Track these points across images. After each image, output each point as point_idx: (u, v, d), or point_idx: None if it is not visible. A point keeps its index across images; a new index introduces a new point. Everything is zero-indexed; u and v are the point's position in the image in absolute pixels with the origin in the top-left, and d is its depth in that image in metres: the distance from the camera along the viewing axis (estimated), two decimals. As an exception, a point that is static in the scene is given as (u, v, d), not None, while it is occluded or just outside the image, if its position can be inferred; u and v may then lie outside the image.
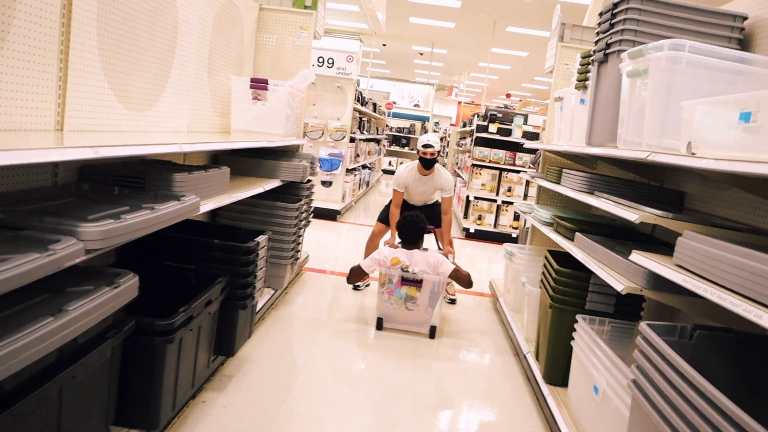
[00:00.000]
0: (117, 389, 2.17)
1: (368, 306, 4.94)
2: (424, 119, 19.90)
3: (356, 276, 4.48)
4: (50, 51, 2.32)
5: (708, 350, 2.00)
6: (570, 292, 3.24)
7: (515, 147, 9.01)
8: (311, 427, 2.94)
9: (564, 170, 3.88)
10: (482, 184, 8.96)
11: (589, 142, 3.35)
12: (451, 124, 25.31)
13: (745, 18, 2.84)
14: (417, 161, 5.15)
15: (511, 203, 8.87)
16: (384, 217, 5.36)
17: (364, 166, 11.69)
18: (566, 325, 3.20)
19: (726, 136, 1.96)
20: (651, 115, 2.48)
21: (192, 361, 2.66)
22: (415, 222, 4.49)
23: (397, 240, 4.92)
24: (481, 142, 9.15)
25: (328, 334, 4.20)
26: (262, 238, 3.24)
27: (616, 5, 3.01)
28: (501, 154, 8.98)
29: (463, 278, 4.37)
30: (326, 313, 4.66)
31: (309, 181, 4.72)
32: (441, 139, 17.38)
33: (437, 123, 23.51)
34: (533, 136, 8.82)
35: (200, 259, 2.96)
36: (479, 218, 8.95)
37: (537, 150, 5.78)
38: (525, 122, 9.15)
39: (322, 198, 8.82)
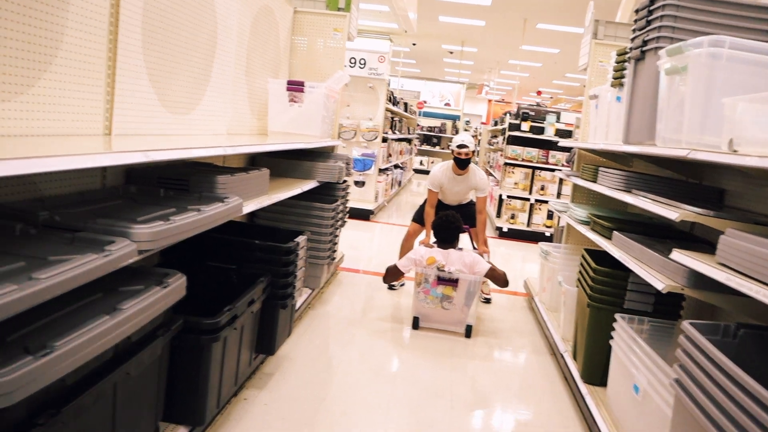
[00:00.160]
0: (165, 386, 2.24)
1: (403, 305, 4.97)
2: (454, 118, 19.85)
3: (392, 275, 4.52)
4: (99, 58, 2.40)
5: (752, 349, 1.99)
6: (608, 291, 3.23)
7: (548, 145, 8.96)
8: (350, 426, 2.98)
9: (600, 168, 3.86)
10: (515, 183, 8.92)
11: (626, 140, 3.34)
12: (482, 123, 25.20)
13: (786, 12, 2.80)
14: (451, 161, 5.16)
15: (545, 202, 8.81)
16: (419, 217, 5.38)
17: (396, 166, 11.72)
18: (604, 324, 3.19)
19: (769, 133, 1.95)
20: (691, 113, 2.46)
21: (235, 359, 2.72)
22: (450, 221, 4.51)
23: (432, 240, 4.94)
24: (513, 141, 9.11)
25: (365, 333, 4.24)
26: (301, 239, 3.30)
27: (652, 2, 2.99)
28: (534, 152, 8.94)
29: (499, 277, 4.38)
30: (362, 312, 4.70)
31: (344, 181, 4.77)
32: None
33: (468, 122, 23.43)
34: (566, 134, 8.76)
35: (242, 260, 3.03)
36: (512, 217, 8.91)
37: (571, 148, 5.74)
38: (557, 120, 9.10)
39: (355, 198, 8.87)
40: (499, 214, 9.13)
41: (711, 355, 1.75)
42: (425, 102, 18.60)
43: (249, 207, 2.80)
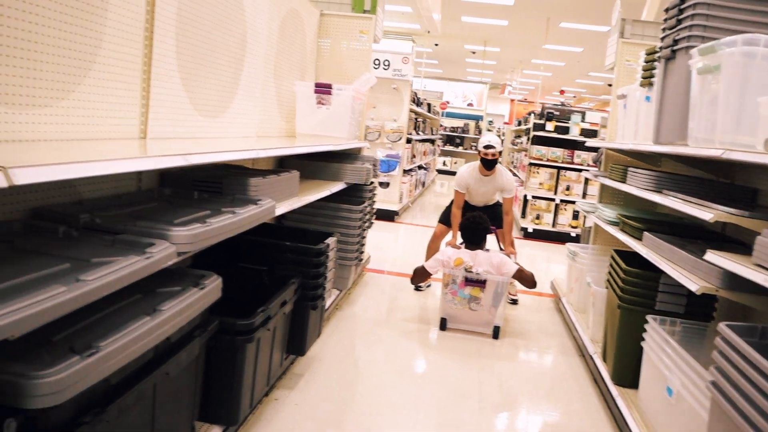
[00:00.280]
0: (201, 386, 2.27)
1: (429, 307, 4.98)
2: (477, 118, 19.80)
3: (420, 277, 4.53)
4: (135, 63, 2.45)
5: (790, 351, 1.97)
6: (639, 292, 3.21)
7: (573, 145, 8.90)
8: (380, 426, 3.00)
9: (630, 169, 3.83)
10: (540, 183, 8.88)
11: (656, 140, 3.31)
12: (505, 123, 25.07)
13: (822, 9, 2.76)
14: (478, 162, 5.16)
15: (570, 202, 8.76)
16: (445, 219, 5.39)
17: (420, 167, 11.73)
18: (635, 325, 3.17)
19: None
20: (724, 112, 2.44)
21: (267, 360, 2.76)
22: (478, 222, 4.51)
23: (459, 241, 4.94)
24: (538, 141, 9.07)
25: (392, 334, 4.26)
26: (331, 240, 3.32)
27: (683, 1, 2.97)
28: (558, 152, 8.89)
29: (527, 278, 4.37)
30: (389, 313, 4.72)
31: (372, 183, 4.79)
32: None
33: (491, 122, 23.34)
34: (591, 134, 8.69)
35: (273, 261, 3.06)
36: (537, 217, 8.87)
37: (598, 148, 5.71)
38: (582, 120, 9.03)
39: (379, 199, 8.86)
40: (524, 215, 9.09)
41: (749, 357, 1.74)
42: (448, 102, 18.56)
43: (280, 209, 2.83)
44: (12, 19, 1.80)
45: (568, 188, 8.81)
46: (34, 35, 1.89)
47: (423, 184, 12.56)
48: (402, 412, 3.15)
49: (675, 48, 3.04)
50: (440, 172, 18.64)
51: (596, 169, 5.55)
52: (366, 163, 4.55)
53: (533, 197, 8.86)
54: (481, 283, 4.25)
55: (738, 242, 3.06)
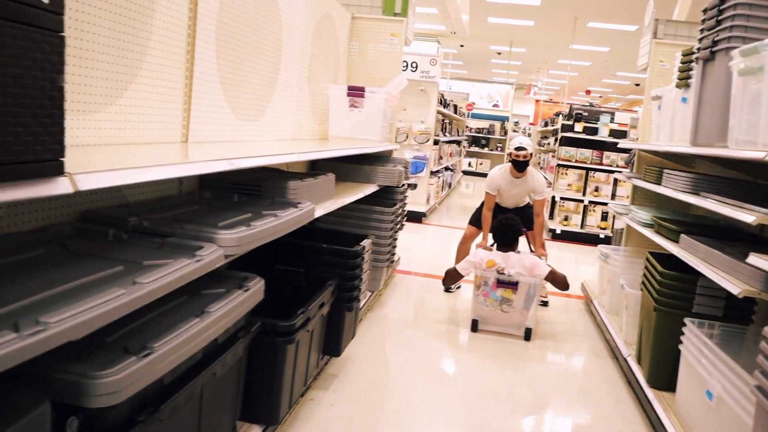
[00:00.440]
0: (243, 386, 2.31)
1: (459, 308, 4.98)
2: (503, 119, 19.70)
3: (452, 278, 4.55)
4: (178, 69, 2.49)
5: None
6: (676, 294, 3.18)
7: (602, 146, 8.82)
8: (413, 427, 3.01)
9: (665, 170, 3.80)
10: (568, 185, 8.82)
11: (694, 141, 3.28)
12: (530, 124, 24.93)
13: None
14: (509, 164, 5.15)
15: (599, 203, 8.69)
16: (476, 220, 5.38)
17: (446, 168, 11.72)
18: (672, 328, 3.14)
19: None
20: (767, 114, 2.41)
21: (305, 361, 2.79)
22: (510, 224, 4.50)
23: (490, 242, 4.94)
24: (566, 142, 9.00)
25: (423, 335, 4.27)
26: (367, 243, 3.35)
27: (722, 1, 2.94)
28: (587, 153, 8.82)
29: (559, 280, 4.35)
30: (419, 314, 4.74)
31: (403, 185, 4.81)
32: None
33: (517, 122, 23.21)
34: (620, 134, 8.61)
35: (309, 263, 3.09)
36: (565, 219, 8.82)
37: (630, 150, 5.66)
38: (611, 120, 8.95)
39: (407, 200, 8.91)
40: (552, 216, 9.04)
41: (798, 362, 1.72)
42: (474, 103, 18.51)
43: (318, 211, 2.86)
44: (71, 29, 1.85)
45: (596, 189, 8.74)
46: (87, 43, 1.94)
47: (449, 185, 12.55)
48: (435, 414, 3.17)
49: (714, 49, 3.01)
50: (466, 173, 18.59)
51: (627, 170, 5.50)
52: (398, 165, 4.57)
53: (561, 198, 8.80)
54: (513, 285, 4.24)
55: (777, 245, 3.02)
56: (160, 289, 1.47)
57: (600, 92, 28.18)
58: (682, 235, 3.21)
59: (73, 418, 1.35)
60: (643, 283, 3.63)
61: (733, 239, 3.17)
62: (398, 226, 4.81)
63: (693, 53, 3.40)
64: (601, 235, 8.54)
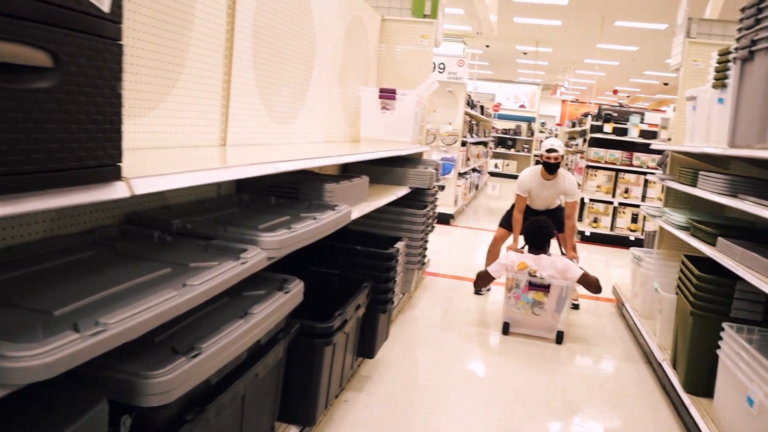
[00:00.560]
0: (282, 387, 2.33)
1: (489, 310, 4.97)
2: (530, 120, 19.58)
3: (483, 281, 4.54)
4: (216, 73, 2.53)
5: None
6: (713, 299, 3.14)
7: (631, 146, 8.72)
8: (447, 430, 3.02)
9: (700, 172, 3.75)
10: (597, 186, 8.73)
11: (732, 142, 3.23)
12: (557, 124, 24.73)
13: None
14: (540, 166, 5.12)
15: (628, 205, 8.60)
16: (506, 223, 5.36)
17: (474, 170, 11.69)
18: (709, 332, 3.10)
19: None
20: (810, 116, 2.37)
21: (341, 363, 2.80)
22: (542, 227, 4.48)
23: (521, 245, 4.92)
24: (595, 143, 8.92)
25: (455, 337, 4.27)
26: (400, 245, 3.36)
27: None
28: (617, 154, 8.72)
29: (591, 283, 4.32)
30: (450, 316, 4.73)
31: (434, 187, 4.81)
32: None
33: (543, 123, 23.03)
34: (650, 135, 8.51)
35: (343, 265, 3.11)
36: (595, 221, 8.74)
37: (663, 151, 5.59)
38: (641, 121, 8.85)
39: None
40: (581, 218, 8.96)
41: None
42: (500, 104, 18.43)
43: (353, 214, 2.88)
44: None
45: (626, 191, 8.64)
46: (132, 49, 1.98)
47: (477, 187, 12.51)
48: (468, 416, 3.16)
49: (753, 49, 2.97)
50: (492, 174, 18.51)
51: (660, 172, 5.44)
52: (429, 167, 4.57)
53: (590, 200, 8.72)
54: (545, 288, 4.22)
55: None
56: (210, 290, 1.49)
57: (627, 92, 27.86)
58: (720, 238, 3.17)
59: (127, 416, 1.38)
60: (678, 286, 3.59)
61: (771, 242, 3.13)
62: (429, 228, 4.81)
63: (730, 53, 3.36)
64: (631, 237, 8.45)
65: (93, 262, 1.66)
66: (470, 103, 10.45)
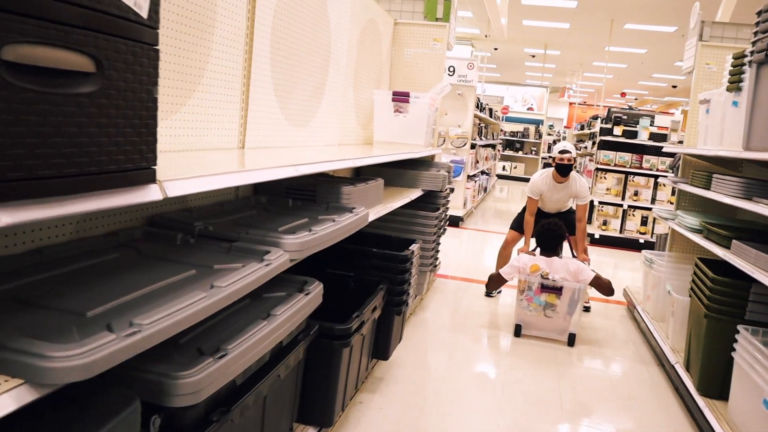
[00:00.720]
0: (300, 389, 2.35)
1: (500, 313, 4.98)
2: (537, 122, 19.57)
3: (495, 283, 4.55)
4: (235, 77, 2.55)
5: None
6: (728, 301, 3.14)
7: (641, 149, 8.71)
8: (460, 431, 3.03)
9: (714, 175, 3.75)
10: (607, 189, 8.73)
11: (747, 146, 3.23)
12: (565, 127, 24.71)
13: None
14: (551, 168, 5.13)
15: (638, 208, 8.59)
16: (517, 225, 5.36)
17: (482, 172, 11.70)
18: (723, 335, 3.10)
19: None
20: (828, 119, 2.38)
21: (357, 364, 2.82)
22: (554, 229, 4.49)
23: (532, 247, 4.93)
24: (605, 146, 8.91)
25: (466, 339, 4.28)
26: (415, 247, 3.37)
27: (778, 4, 2.90)
28: (626, 157, 8.71)
29: (604, 285, 4.32)
30: (461, 319, 4.74)
31: (446, 189, 4.83)
32: (554, 143, 17.06)
33: (551, 126, 23.02)
34: (660, 138, 8.50)
35: (358, 267, 3.12)
36: (604, 223, 8.73)
37: (674, 154, 5.59)
38: (651, 123, 8.84)
39: (446, 204, 8.92)
40: (590, 221, 8.95)
41: None
42: (509, 107, 18.44)
43: (370, 216, 2.89)
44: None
45: (636, 193, 8.63)
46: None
47: (485, 189, 12.51)
48: (481, 418, 3.17)
49: (769, 52, 2.97)
50: (500, 177, 18.50)
51: (672, 174, 5.44)
52: (441, 170, 4.59)
53: (600, 203, 8.72)
54: (557, 290, 4.23)
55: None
56: (237, 291, 1.51)
57: (635, 94, 27.82)
58: (734, 241, 3.17)
59: (156, 416, 1.40)
60: (691, 289, 3.59)
61: (787, 245, 3.12)
62: (441, 230, 4.83)
63: (745, 56, 3.36)
64: (641, 240, 8.44)
65: (119, 263, 1.68)
66: (479, 106, 10.46)
